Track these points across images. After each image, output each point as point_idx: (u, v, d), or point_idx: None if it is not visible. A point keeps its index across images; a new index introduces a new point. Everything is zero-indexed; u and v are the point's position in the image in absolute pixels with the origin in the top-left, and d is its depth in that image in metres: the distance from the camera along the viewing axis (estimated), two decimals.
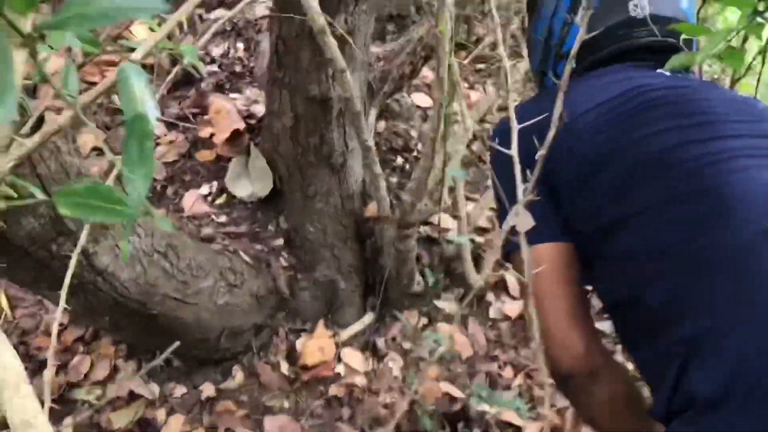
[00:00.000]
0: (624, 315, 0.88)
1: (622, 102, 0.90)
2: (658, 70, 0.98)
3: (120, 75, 0.63)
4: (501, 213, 1.00)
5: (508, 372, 1.90)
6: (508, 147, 0.96)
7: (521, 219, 0.55)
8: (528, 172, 0.92)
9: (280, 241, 1.86)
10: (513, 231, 0.98)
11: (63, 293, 1.03)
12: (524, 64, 1.90)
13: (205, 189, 1.89)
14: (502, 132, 0.98)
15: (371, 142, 1.69)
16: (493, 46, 2.89)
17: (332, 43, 1.52)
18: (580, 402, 0.95)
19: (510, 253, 0.97)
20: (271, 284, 1.77)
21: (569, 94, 0.97)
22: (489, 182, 2.45)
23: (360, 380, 1.73)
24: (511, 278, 2.14)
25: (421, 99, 2.65)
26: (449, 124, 1.63)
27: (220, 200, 1.88)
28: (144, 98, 0.64)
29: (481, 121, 2.35)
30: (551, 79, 1.11)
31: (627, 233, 0.84)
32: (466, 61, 2.58)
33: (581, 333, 0.89)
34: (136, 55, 0.69)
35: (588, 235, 0.89)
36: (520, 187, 0.55)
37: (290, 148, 1.78)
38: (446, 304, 2.02)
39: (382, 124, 2.36)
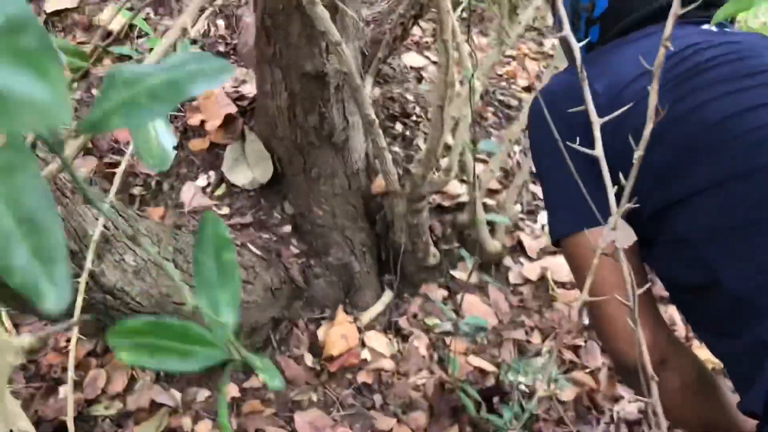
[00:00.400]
0: (697, 300, 0.80)
1: (673, 65, 0.81)
2: (705, 27, 0.89)
3: None
4: (551, 197, 0.91)
5: (535, 337, 1.84)
6: (552, 126, 0.87)
7: (621, 233, 0.46)
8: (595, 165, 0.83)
9: (287, 228, 1.77)
10: (559, 212, 0.90)
11: (75, 319, 0.95)
12: (524, 17, 1.79)
13: (202, 180, 1.79)
14: (546, 107, 0.89)
15: (374, 116, 1.60)
16: None
17: (324, 13, 1.42)
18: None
19: (561, 239, 0.88)
20: (284, 274, 1.69)
21: (612, 62, 0.88)
22: (492, 139, 2.36)
23: (387, 364, 1.67)
24: (527, 239, 2.07)
25: (413, 59, 2.54)
26: (453, 86, 1.53)
27: (219, 191, 1.78)
28: (159, 133, 0.54)
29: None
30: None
31: (692, 212, 0.76)
32: (455, 16, 2.46)
33: (647, 322, 0.81)
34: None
35: (645, 215, 0.81)
36: (611, 192, 0.46)
37: (288, 130, 1.68)
38: (464, 273, 1.95)
39: (376, 91, 2.25)
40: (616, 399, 1.71)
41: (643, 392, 0.92)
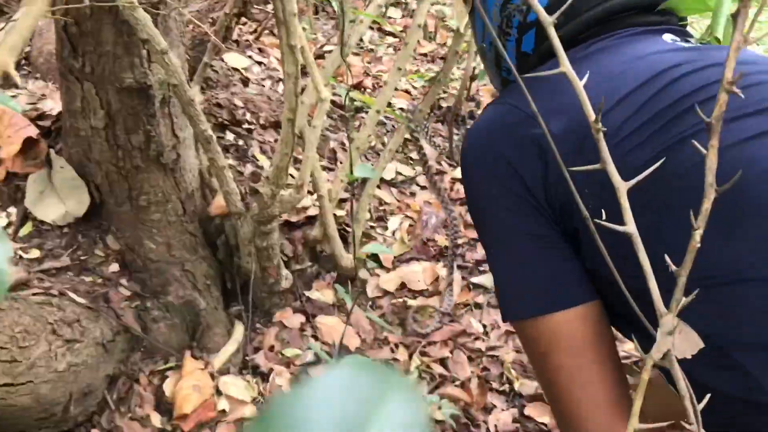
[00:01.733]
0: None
1: (655, 94, 0.63)
2: (667, 37, 0.73)
3: None
4: (501, 269, 0.74)
5: (401, 353, 1.74)
6: (488, 171, 0.70)
7: (682, 339, 0.34)
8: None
9: (114, 267, 1.51)
10: (516, 289, 0.72)
11: None
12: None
13: (1, 220, 1.48)
14: (483, 153, 0.71)
15: (210, 131, 1.40)
16: None
17: (144, 17, 1.19)
18: None
19: (516, 320, 0.73)
20: (117, 323, 1.43)
21: (565, 90, 0.69)
22: (332, 144, 2.22)
23: (249, 411, 1.48)
24: (382, 249, 1.96)
25: (235, 60, 2.32)
26: (299, 95, 1.37)
27: (24, 230, 1.48)
28: None
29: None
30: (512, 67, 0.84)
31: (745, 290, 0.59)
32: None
33: (626, 419, 0.66)
34: None
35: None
36: (655, 290, 0.34)
37: (107, 152, 1.43)
38: (320, 293, 1.80)
39: (200, 98, 2.02)
40: (489, 409, 1.66)
41: None
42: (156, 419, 1.41)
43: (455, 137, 2.53)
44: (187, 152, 1.56)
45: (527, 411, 1.64)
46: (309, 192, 1.85)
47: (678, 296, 0.35)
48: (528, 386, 1.68)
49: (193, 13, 1.84)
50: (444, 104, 2.79)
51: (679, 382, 0.34)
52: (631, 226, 0.36)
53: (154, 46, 1.22)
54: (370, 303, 1.86)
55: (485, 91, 2.94)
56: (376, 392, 0.20)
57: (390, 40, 3.58)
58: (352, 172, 1.14)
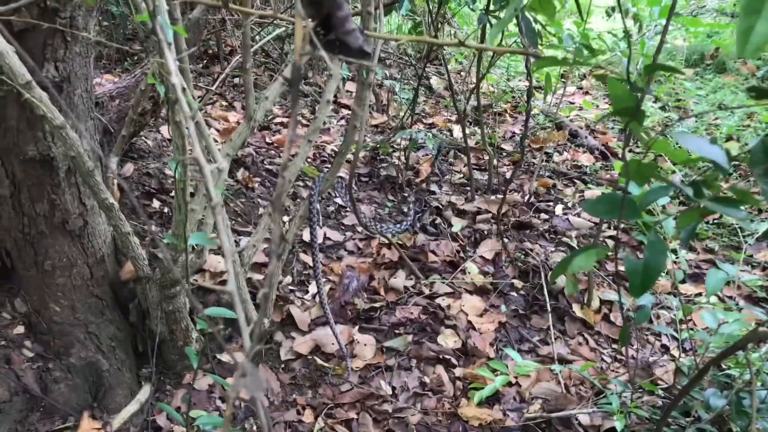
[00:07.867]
0: None
1: None
2: None
3: None
4: None
5: (308, 415, 1.78)
6: None
7: (252, 380, 0.41)
8: None
9: (20, 329, 1.57)
10: None
11: None
12: (271, 93, 1.77)
13: None
14: None
15: (112, 199, 1.48)
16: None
17: (42, 96, 1.29)
18: None
19: None
20: (16, 384, 1.48)
21: None
22: (261, 211, 2.31)
23: None
24: (297, 312, 2.02)
25: None
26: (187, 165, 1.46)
27: None
28: None
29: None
30: None
31: None
32: (214, 86, 2.41)
33: None
34: None
35: None
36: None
37: (14, 219, 1.51)
38: (231, 356, 1.85)
39: (130, 167, 2.12)
40: None
41: None
42: None
43: (388, 203, 2.63)
44: (97, 219, 1.63)
45: None
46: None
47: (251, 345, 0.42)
48: None
49: (120, 88, 1.95)
50: (384, 173, 2.91)
51: (261, 419, 0.41)
52: None
53: (51, 121, 1.32)
54: (282, 365, 1.91)
55: (425, 161, 3.06)
56: None
57: (345, 112, 3.74)
58: (185, 241, 1.22)
